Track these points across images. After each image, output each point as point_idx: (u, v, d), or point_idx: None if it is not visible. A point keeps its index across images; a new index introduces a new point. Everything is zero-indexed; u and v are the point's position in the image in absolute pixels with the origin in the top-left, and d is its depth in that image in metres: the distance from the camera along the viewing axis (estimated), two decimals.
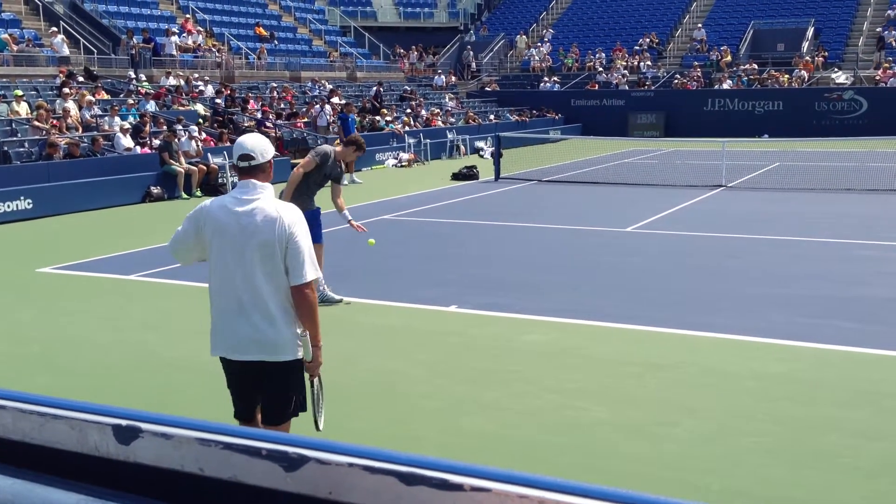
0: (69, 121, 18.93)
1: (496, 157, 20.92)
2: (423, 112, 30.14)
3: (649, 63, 38.02)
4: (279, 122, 24.25)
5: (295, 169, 8.46)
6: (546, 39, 41.43)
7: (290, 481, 1.04)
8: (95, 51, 26.16)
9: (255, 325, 3.87)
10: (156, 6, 31.47)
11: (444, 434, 5.44)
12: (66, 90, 20.32)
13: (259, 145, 3.97)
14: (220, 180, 18.61)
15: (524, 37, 42.35)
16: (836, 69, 35.00)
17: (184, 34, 29.46)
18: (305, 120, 25.29)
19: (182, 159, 18.30)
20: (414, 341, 7.48)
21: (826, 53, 35.69)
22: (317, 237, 8.69)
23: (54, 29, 25.58)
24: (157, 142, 18.86)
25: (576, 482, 0.94)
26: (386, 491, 0.98)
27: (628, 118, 34.05)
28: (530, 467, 4.87)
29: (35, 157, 16.92)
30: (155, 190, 17.56)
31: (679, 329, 7.61)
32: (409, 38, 43.35)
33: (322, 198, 8.71)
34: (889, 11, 36.88)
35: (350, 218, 8.75)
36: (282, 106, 26.08)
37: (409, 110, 29.57)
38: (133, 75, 24.99)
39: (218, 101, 24.57)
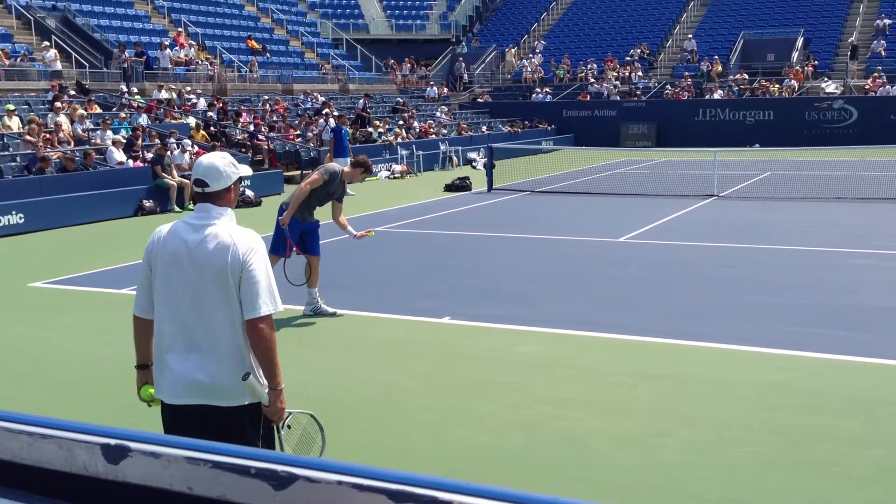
0: (61, 135, 18.91)
1: (489, 168, 20.95)
2: (416, 124, 30.19)
3: (640, 74, 38.18)
4: (271, 134, 24.26)
5: (302, 184, 8.50)
6: (538, 50, 41.58)
7: (280, 500, 1.03)
8: (87, 65, 26.16)
9: (203, 364, 3.42)
10: (148, 20, 31.51)
11: (439, 446, 5.43)
12: (58, 104, 20.31)
13: (214, 171, 3.53)
14: None
15: (513, 49, 42.47)
16: (825, 79, 35.20)
17: (176, 47, 29.50)
18: (298, 132, 25.31)
19: (174, 172, 18.28)
20: (408, 353, 7.46)
21: (816, 63, 35.90)
22: (315, 250, 8.71)
23: (46, 43, 25.59)
24: (149, 155, 18.85)
25: (568, 498, 0.94)
26: None
27: (620, 128, 34.16)
28: (525, 479, 4.86)
29: (27, 171, 16.88)
30: (147, 203, 17.54)
31: (672, 339, 7.61)
32: (401, 50, 43.46)
33: (320, 211, 8.74)
34: (877, 21, 37.13)
35: (355, 233, 8.82)
36: (274, 118, 26.10)
37: (401, 122, 29.62)
38: (125, 89, 24.99)
39: (210, 113, 24.57)
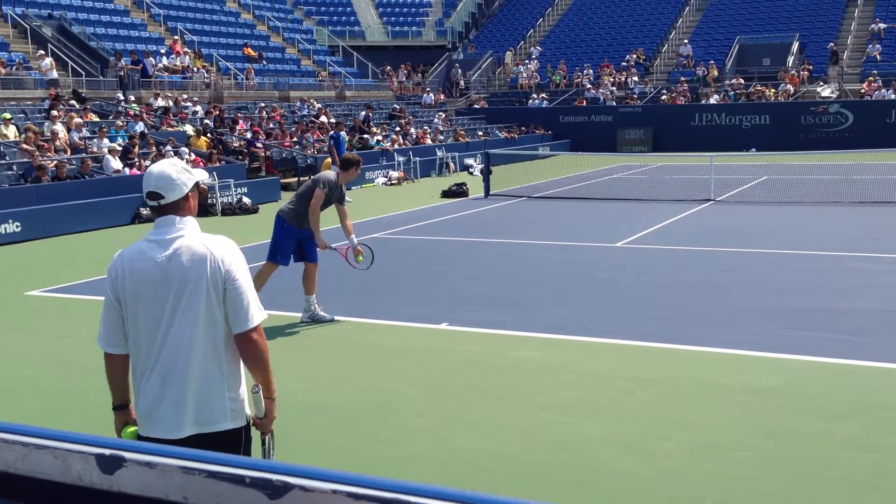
0: (57, 143, 18.90)
1: (485, 174, 20.97)
2: (413, 130, 30.21)
3: (636, 79, 38.26)
4: (268, 141, 24.27)
5: (312, 209, 8.50)
6: (534, 56, 41.65)
7: None
8: (83, 73, 26.16)
9: (185, 391, 3.17)
10: (144, 28, 31.54)
11: (438, 453, 5.42)
12: (55, 112, 20.30)
13: (166, 181, 3.21)
14: (209, 200, 18.59)
15: (512, 54, 42.57)
16: (821, 83, 35.29)
17: (172, 55, 29.52)
18: (294, 139, 25.33)
19: None
20: (405, 359, 7.46)
21: (811, 67, 35.99)
22: (314, 257, 8.70)
23: (42, 52, 25.59)
24: (147, 163, 18.84)
25: None
26: None
27: (617, 134, 34.21)
28: (523, 485, 4.85)
29: (23, 179, 16.87)
30: (144, 211, 17.50)
31: (670, 343, 7.62)
32: (398, 56, 43.53)
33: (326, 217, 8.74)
34: (872, 25, 37.25)
35: (356, 244, 8.88)
36: (271, 126, 26.12)
37: (398, 128, 29.65)
38: (121, 97, 24.99)
39: (207, 121, 24.58)
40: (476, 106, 38.86)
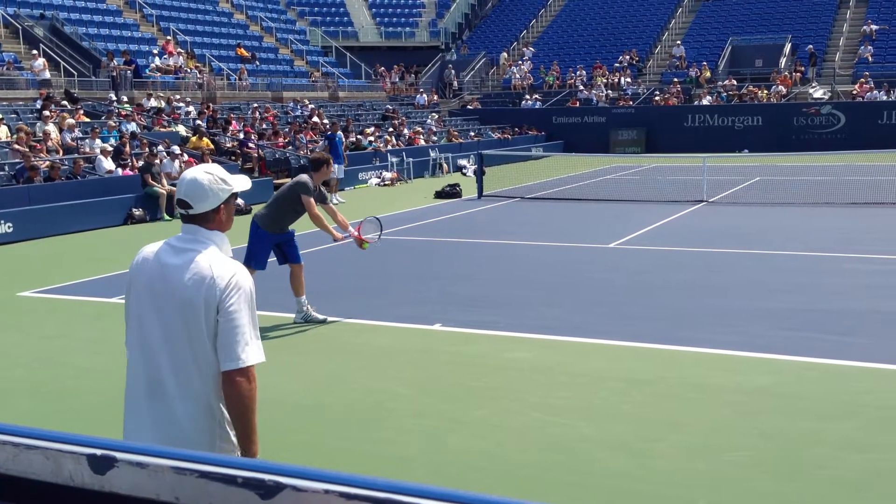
0: (49, 144, 18.84)
1: (479, 174, 20.97)
2: (406, 131, 30.21)
3: (629, 80, 38.33)
4: (261, 142, 24.23)
5: (314, 218, 8.52)
6: (527, 57, 41.69)
7: None
8: (76, 73, 26.09)
9: (172, 413, 2.92)
10: (136, 28, 31.46)
11: (432, 453, 5.42)
12: (47, 113, 20.24)
13: (197, 189, 2.99)
14: None
15: (506, 55, 42.62)
16: (813, 84, 35.41)
17: (165, 56, 29.45)
18: (287, 140, 25.30)
19: (164, 181, 18.24)
20: (399, 360, 7.46)
21: (803, 69, 36.12)
22: (296, 258, 8.68)
23: (34, 52, 25.51)
24: (140, 162, 18.80)
25: None
26: None
27: (610, 135, 34.25)
28: (517, 485, 4.86)
29: (15, 180, 16.81)
30: (137, 212, 17.49)
31: (663, 344, 7.63)
32: (391, 57, 43.52)
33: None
34: (864, 27, 37.39)
35: (356, 233, 8.88)
36: (264, 126, 26.08)
37: (391, 129, 29.64)
38: (114, 97, 24.93)
39: (200, 122, 24.53)
40: (469, 107, 38.87)
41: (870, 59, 35.57)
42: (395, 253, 13.06)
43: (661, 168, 27.15)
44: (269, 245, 8.57)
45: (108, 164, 18.45)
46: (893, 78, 33.39)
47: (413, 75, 42.73)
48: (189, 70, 29.82)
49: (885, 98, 32.20)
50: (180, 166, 19.24)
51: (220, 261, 2.95)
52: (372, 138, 27.57)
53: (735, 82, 36.26)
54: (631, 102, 35.86)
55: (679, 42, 40.37)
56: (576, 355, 7.47)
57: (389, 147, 27.24)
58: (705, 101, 34.76)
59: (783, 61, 37.06)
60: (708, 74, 37.15)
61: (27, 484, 1.18)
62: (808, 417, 5.81)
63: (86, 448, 1.15)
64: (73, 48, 27.61)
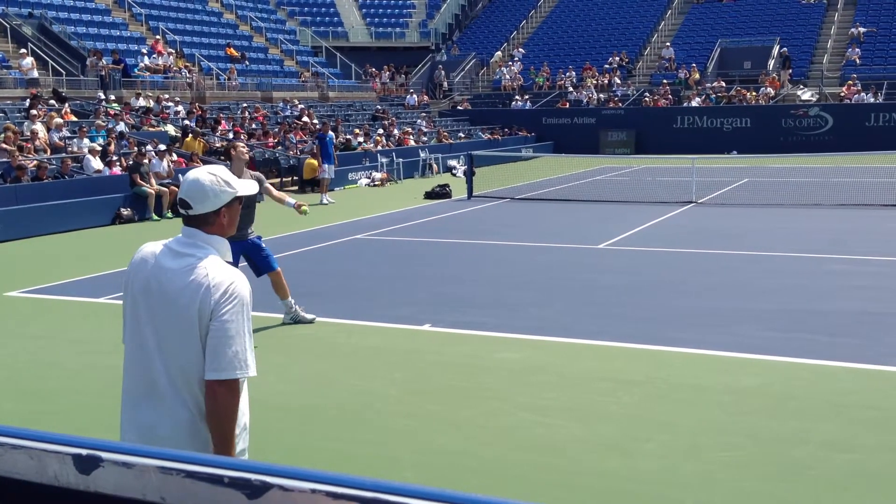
0: (37, 143, 18.74)
1: (469, 175, 20.97)
2: (396, 131, 30.20)
3: (619, 81, 38.43)
4: (251, 141, 24.17)
5: (275, 193, 8.54)
6: (517, 58, 41.74)
7: None
8: (64, 72, 25.96)
9: (162, 417, 2.85)
10: (125, 27, 31.33)
11: (419, 454, 5.42)
12: (34, 112, 20.13)
13: (198, 190, 2.92)
14: None
15: (498, 53, 42.66)
16: (801, 86, 35.59)
17: (154, 55, 29.34)
18: (277, 140, 25.25)
19: (153, 180, 18.17)
20: (388, 361, 7.45)
21: (791, 71, 36.29)
22: (270, 265, 8.36)
23: (23, 51, 25.37)
24: (129, 162, 18.72)
25: None
26: None
27: (599, 136, 34.32)
28: (505, 485, 4.86)
29: (2, 179, 16.71)
30: (125, 212, 17.41)
31: (651, 345, 7.65)
32: (381, 57, 43.49)
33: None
34: (852, 29, 37.60)
35: (294, 202, 8.75)
36: (253, 126, 26.02)
37: (381, 130, 29.63)
38: (102, 96, 24.82)
39: (188, 122, 24.45)
40: (459, 107, 38.88)
41: (857, 61, 35.76)
42: (385, 254, 13.05)
43: (650, 169, 27.23)
44: (238, 251, 8.01)
45: (96, 163, 18.36)
46: (881, 80, 33.58)
47: (403, 76, 42.71)
48: (178, 69, 29.71)
49: (872, 100, 32.37)
50: (169, 166, 19.17)
51: (218, 268, 2.86)
52: (362, 138, 27.54)
53: (724, 84, 36.40)
54: (620, 104, 35.95)
55: (668, 44, 40.50)
56: (565, 356, 7.48)
57: (379, 147, 27.22)
58: (694, 103, 34.89)
59: (771, 63, 37.22)
60: (697, 76, 37.28)
61: (12, 483, 1.17)
62: (797, 418, 5.84)
63: (71, 448, 1.14)
64: (62, 47, 27.47)
